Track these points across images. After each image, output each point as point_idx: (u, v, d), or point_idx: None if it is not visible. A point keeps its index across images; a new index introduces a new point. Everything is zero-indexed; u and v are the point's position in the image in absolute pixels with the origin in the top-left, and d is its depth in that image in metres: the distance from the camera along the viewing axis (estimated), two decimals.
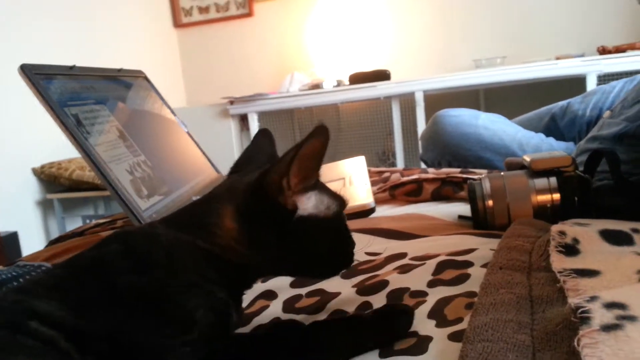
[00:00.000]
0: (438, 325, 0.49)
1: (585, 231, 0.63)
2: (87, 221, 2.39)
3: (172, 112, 1.32)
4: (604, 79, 2.68)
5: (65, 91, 0.92)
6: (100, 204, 2.64)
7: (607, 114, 1.17)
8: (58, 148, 2.29)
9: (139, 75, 1.27)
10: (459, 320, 0.50)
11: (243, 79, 3.57)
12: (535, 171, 0.82)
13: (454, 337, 0.46)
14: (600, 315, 0.38)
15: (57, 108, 0.86)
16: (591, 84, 2.66)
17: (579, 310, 0.39)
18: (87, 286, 0.44)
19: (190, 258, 0.47)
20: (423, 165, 2.66)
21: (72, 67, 0.98)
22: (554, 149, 1.49)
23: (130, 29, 3.24)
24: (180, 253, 0.47)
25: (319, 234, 0.50)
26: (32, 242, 2.29)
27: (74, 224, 2.45)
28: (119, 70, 1.18)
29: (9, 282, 0.76)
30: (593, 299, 0.41)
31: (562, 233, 0.61)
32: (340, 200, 0.53)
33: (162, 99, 1.30)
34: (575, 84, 2.66)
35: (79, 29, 2.78)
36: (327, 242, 0.51)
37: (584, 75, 2.70)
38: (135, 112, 1.13)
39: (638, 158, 0.93)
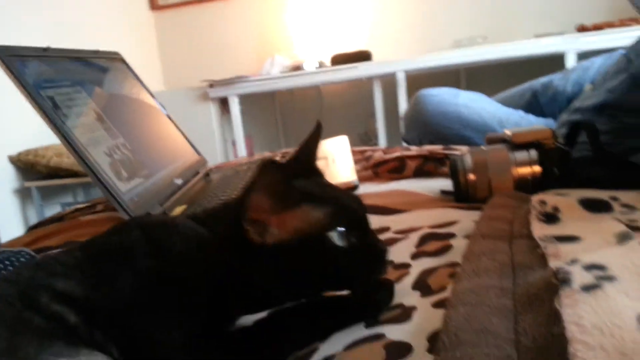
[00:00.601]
0: (422, 296, 0.50)
1: (565, 200, 0.64)
2: (66, 208, 2.36)
3: (151, 94, 1.30)
4: (583, 56, 2.70)
5: (40, 74, 0.90)
6: (79, 191, 2.60)
7: (588, 86, 1.19)
8: (34, 135, 2.24)
9: (115, 57, 1.25)
10: (443, 289, 0.50)
11: (223, 61, 3.53)
12: (515, 144, 0.82)
13: (437, 305, 0.46)
14: (580, 277, 0.38)
15: (32, 91, 0.83)
16: (570, 62, 2.69)
17: (560, 273, 0.39)
18: (106, 267, 0.45)
19: (207, 250, 0.47)
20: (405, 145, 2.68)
21: (46, 49, 0.96)
22: (532, 124, 1.50)
23: (105, 12, 3.16)
24: (197, 244, 0.47)
25: (297, 259, 0.45)
26: (11, 231, 2.25)
27: (53, 211, 2.42)
28: (95, 52, 1.16)
29: None
30: (573, 261, 0.41)
31: (543, 202, 0.62)
32: (339, 212, 0.47)
33: (139, 81, 1.28)
34: (555, 62, 2.68)
35: (53, 9, 2.71)
36: (308, 266, 0.46)
37: (563, 53, 2.72)
38: (113, 95, 1.11)
39: (618, 128, 0.95)
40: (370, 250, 0.48)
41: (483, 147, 0.86)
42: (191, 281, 0.45)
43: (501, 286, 0.43)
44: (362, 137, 3.33)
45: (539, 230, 0.54)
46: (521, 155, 0.82)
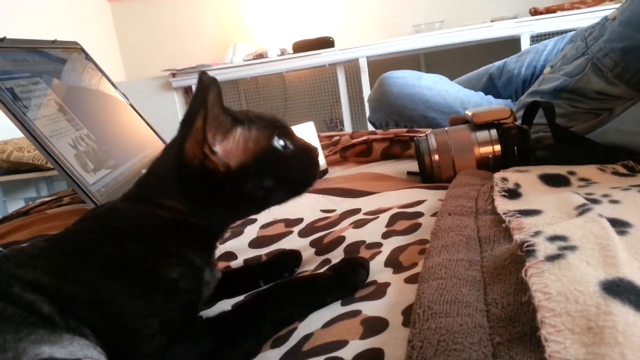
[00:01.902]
0: (395, 272, 0.52)
1: (526, 176, 0.66)
2: (30, 203, 2.29)
3: (112, 84, 1.27)
4: (536, 38, 2.78)
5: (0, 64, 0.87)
6: (42, 185, 2.53)
7: (547, 70, 1.23)
8: None
9: (74, 47, 1.22)
10: (414, 265, 0.52)
11: (184, 50, 3.46)
12: (476, 124, 0.85)
13: (410, 280, 0.48)
14: (544, 248, 0.41)
15: None
16: (525, 44, 2.76)
17: (525, 245, 0.42)
18: (70, 257, 0.45)
19: (158, 228, 0.48)
20: (371, 127, 2.71)
21: (2, 39, 0.93)
22: (492, 104, 1.54)
23: (62, 1, 3.06)
24: (146, 224, 0.49)
25: (261, 174, 0.50)
26: None
27: (17, 206, 2.34)
28: (53, 41, 1.13)
29: None
30: (537, 234, 0.44)
31: (504, 179, 0.65)
32: (271, 126, 0.52)
33: (101, 70, 1.25)
34: (510, 44, 2.74)
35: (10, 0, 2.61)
36: (272, 176, 0.51)
37: (518, 36, 2.79)
38: (73, 86, 1.09)
39: (574, 112, 0.99)
40: (305, 150, 0.55)
41: (446, 128, 0.88)
42: (150, 259, 0.46)
43: (469, 259, 0.45)
44: (328, 123, 3.34)
45: (503, 205, 0.56)
46: (482, 135, 0.84)
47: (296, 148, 0.54)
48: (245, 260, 0.66)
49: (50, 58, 1.08)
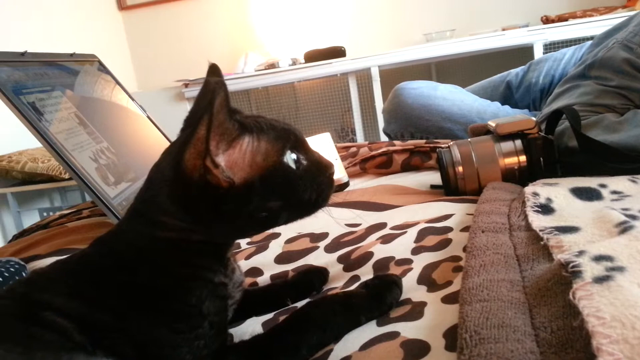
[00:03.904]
0: (429, 290, 0.51)
1: (557, 190, 0.65)
2: (45, 214, 2.29)
3: (130, 96, 1.27)
4: (549, 46, 2.77)
5: (18, 78, 0.87)
6: (56, 195, 2.54)
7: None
8: (7, 141, 2.18)
9: (92, 59, 1.22)
10: (449, 283, 0.51)
11: (196, 61, 3.44)
12: (500, 135, 0.84)
13: (447, 300, 0.47)
14: (590, 268, 0.39)
15: (12, 96, 0.81)
16: (538, 53, 2.74)
17: (570, 265, 0.40)
18: (89, 284, 0.44)
19: (165, 252, 0.45)
20: (384, 138, 2.69)
21: (23, 54, 0.93)
22: (510, 115, 1.53)
23: (72, 14, 3.09)
24: (153, 249, 0.46)
25: (267, 194, 0.45)
26: None
27: (31, 217, 2.35)
28: (72, 54, 1.13)
29: None
30: (581, 253, 0.42)
31: (535, 194, 0.64)
32: (284, 137, 0.46)
33: (118, 83, 1.26)
34: (523, 53, 2.73)
35: (26, 16, 2.63)
36: (280, 197, 0.45)
37: (531, 45, 2.77)
38: (93, 98, 1.09)
39: (602, 90, 0.96)
40: (319, 167, 0.49)
41: (469, 140, 0.87)
42: (165, 287, 0.44)
43: (510, 279, 0.44)
44: (339, 133, 3.34)
45: (537, 222, 0.55)
46: (507, 145, 0.83)
47: (310, 164, 0.48)
48: (272, 277, 0.65)
49: (69, 71, 1.08)
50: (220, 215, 0.45)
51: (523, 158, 0.82)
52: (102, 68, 1.25)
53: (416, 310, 0.47)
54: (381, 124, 2.92)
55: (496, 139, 0.84)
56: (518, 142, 0.83)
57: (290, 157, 0.47)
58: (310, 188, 0.47)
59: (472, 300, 0.41)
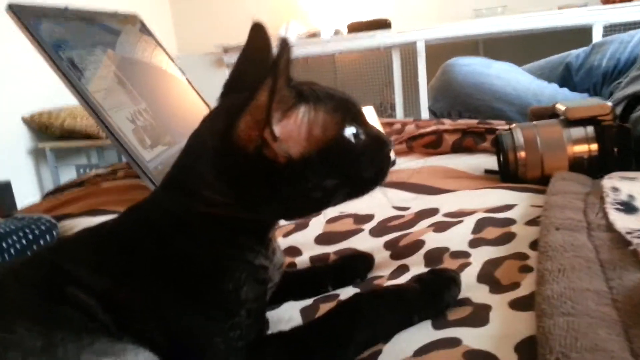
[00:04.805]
0: (493, 291, 0.45)
1: (639, 186, 0.58)
2: (81, 170, 2.32)
3: (170, 58, 1.23)
4: (609, 29, 2.59)
5: (58, 34, 0.83)
6: (93, 153, 2.56)
7: None
8: (47, 96, 2.19)
9: (134, 19, 1.18)
10: (515, 285, 0.45)
11: (237, 27, 3.38)
12: (570, 120, 0.76)
13: (515, 305, 0.41)
14: None
15: (50, 51, 0.77)
16: (597, 35, 2.57)
17: None
18: (117, 258, 0.40)
19: (205, 228, 0.41)
20: (425, 116, 2.59)
21: (65, 9, 0.89)
22: (569, 99, 1.43)
23: None
24: (193, 223, 0.41)
25: (325, 171, 0.40)
26: (25, 192, 2.22)
27: (68, 173, 2.38)
28: (114, 13, 1.09)
29: (9, 236, 0.71)
30: None
31: (616, 189, 0.57)
32: (343, 108, 0.42)
33: (159, 44, 1.21)
34: (580, 34, 2.56)
35: None
36: (338, 174, 0.41)
37: (590, 26, 2.61)
38: (132, 59, 1.05)
39: None
40: (378, 142, 0.44)
41: (534, 122, 0.79)
42: (202, 267, 0.40)
43: (595, 289, 0.38)
44: (377, 108, 3.25)
45: (621, 222, 0.48)
46: (577, 132, 0.75)
47: (369, 138, 0.43)
48: (312, 259, 0.60)
49: (107, 29, 1.04)
50: (270, 194, 0.40)
51: (594, 146, 0.74)
52: (144, 29, 1.21)
53: (479, 315, 0.41)
54: (423, 100, 2.83)
55: (565, 123, 0.76)
56: (590, 129, 0.74)
57: (350, 132, 0.41)
58: (371, 165, 0.43)
59: (553, 313, 0.35)
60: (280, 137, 0.38)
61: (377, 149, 0.44)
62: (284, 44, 0.35)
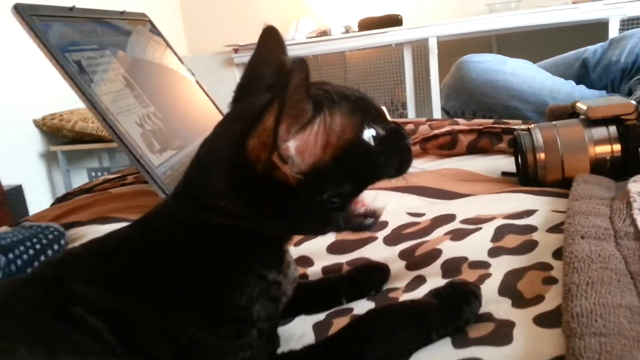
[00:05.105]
0: (515, 305, 0.42)
1: None
2: (93, 174, 2.31)
3: (180, 60, 1.21)
4: (627, 24, 2.53)
5: (65, 35, 0.82)
6: (104, 155, 2.56)
7: None
8: (59, 99, 2.19)
9: (143, 19, 1.16)
10: (539, 298, 0.43)
11: (247, 26, 3.35)
12: (592, 120, 0.73)
13: (541, 321, 0.39)
14: None
15: (56, 53, 0.76)
16: (614, 29, 2.52)
17: None
18: (126, 272, 0.39)
19: (218, 241, 0.40)
20: (437, 115, 2.56)
21: (71, 9, 0.88)
22: (587, 97, 1.39)
23: None
24: (205, 235, 0.40)
25: (341, 178, 0.38)
26: (37, 195, 2.23)
27: (79, 176, 2.38)
28: (122, 12, 1.07)
29: (17, 246, 0.70)
30: None
31: None
32: (362, 111, 0.40)
33: (168, 45, 1.20)
34: (596, 29, 2.51)
35: None
36: (355, 179, 0.39)
37: (606, 20, 2.55)
38: (141, 60, 1.03)
39: None
40: (398, 138, 0.43)
41: (554, 122, 0.77)
42: (213, 282, 0.38)
43: (628, 305, 0.35)
44: (389, 107, 3.21)
45: None
46: (599, 132, 0.72)
47: (388, 135, 0.41)
48: (324, 269, 0.58)
49: (118, 30, 1.03)
50: (282, 211, 0.38)
51: (617, 147, 0.71)
52: (154, 29, 1.20)
53: (502, 332, 0.39)
54: (435, 99, 2.79)
55: (586, 123, 0.73)
56: (612, 129, 0.72)
57: (369, 134, 0.39)
58: (392, 164, 0.42)
59: (584, 333, 0.32)
60: (296, 150, 0.36)
61: (396, 145, 0.43)
62: (299, 65, 0.33)
